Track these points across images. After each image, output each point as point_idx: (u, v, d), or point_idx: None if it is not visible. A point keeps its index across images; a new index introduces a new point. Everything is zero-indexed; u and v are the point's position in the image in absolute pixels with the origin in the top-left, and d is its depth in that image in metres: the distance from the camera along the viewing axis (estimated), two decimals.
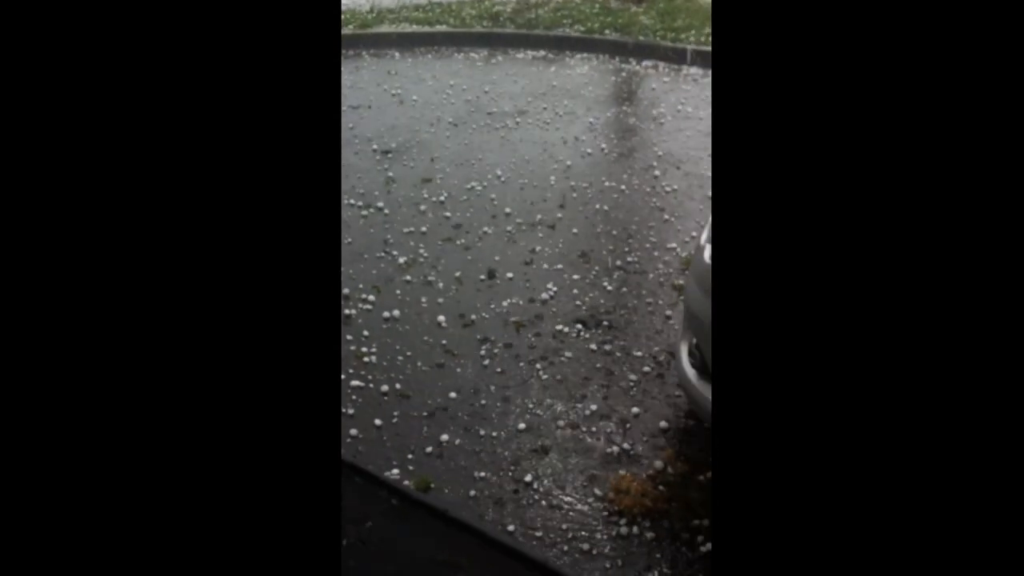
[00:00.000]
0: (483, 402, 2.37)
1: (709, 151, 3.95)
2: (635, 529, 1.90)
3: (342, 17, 6.55)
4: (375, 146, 4.14)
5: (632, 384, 2.41)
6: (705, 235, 2.05)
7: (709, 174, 3.71)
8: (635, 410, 2.30)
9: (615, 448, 2.17)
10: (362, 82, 5.13)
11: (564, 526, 1.94)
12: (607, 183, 3.69)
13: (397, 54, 5.83)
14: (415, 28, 6.26)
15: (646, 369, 2.47)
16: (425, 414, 2.32)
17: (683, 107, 4.56)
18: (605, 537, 1.89)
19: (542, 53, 5.73)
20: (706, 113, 4.45)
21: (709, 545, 1.84)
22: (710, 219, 2.12)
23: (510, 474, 2.11)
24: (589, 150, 4.04)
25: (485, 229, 3.32)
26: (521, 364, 2.52)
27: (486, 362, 2.54)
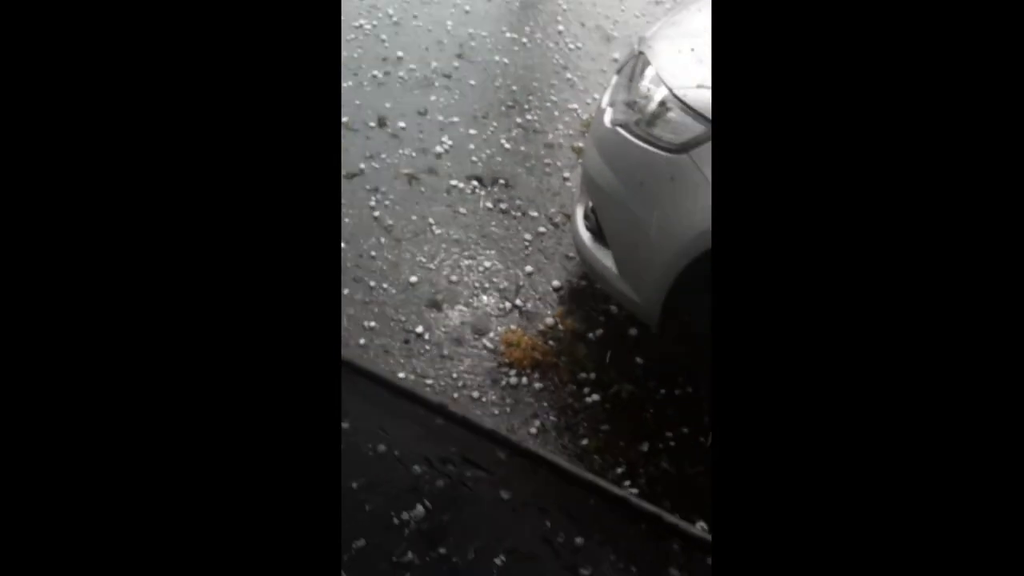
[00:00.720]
0: (372, 254, 2.32)
1: (616, 10, 3.84)
2: (523, 380, 1.99)
3: None
4: None
5: (527, 243, 2.44)
6: (606, 99, 2.02)
7: (615, 34, 3.63)
8: (528, 269, 2.34)
9: (507, 304, 2.22)
10: None
11: (454, 375, 2.00)
12: (508, 34, 3.52)
13: None
14: None
15: (541, 229, 2.50)
16: None
17: None
18: (494, 386, 1.97)
19: None
20: None
21: (595, 396, 1.97)
22: (613, 81, 2.09)
23: (401, 325, 2.12)
24: None
25: (375, 73, 3.11)
26: (413, 218, 2.47)
27: (376, 213, 2.47)
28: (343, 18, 3.41)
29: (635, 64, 2.03)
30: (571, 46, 3.50)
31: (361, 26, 3.40)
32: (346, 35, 3.32)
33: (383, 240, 2.38)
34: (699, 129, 1.70)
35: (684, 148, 1.72)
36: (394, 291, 2.22)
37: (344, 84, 3.01)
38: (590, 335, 2.14)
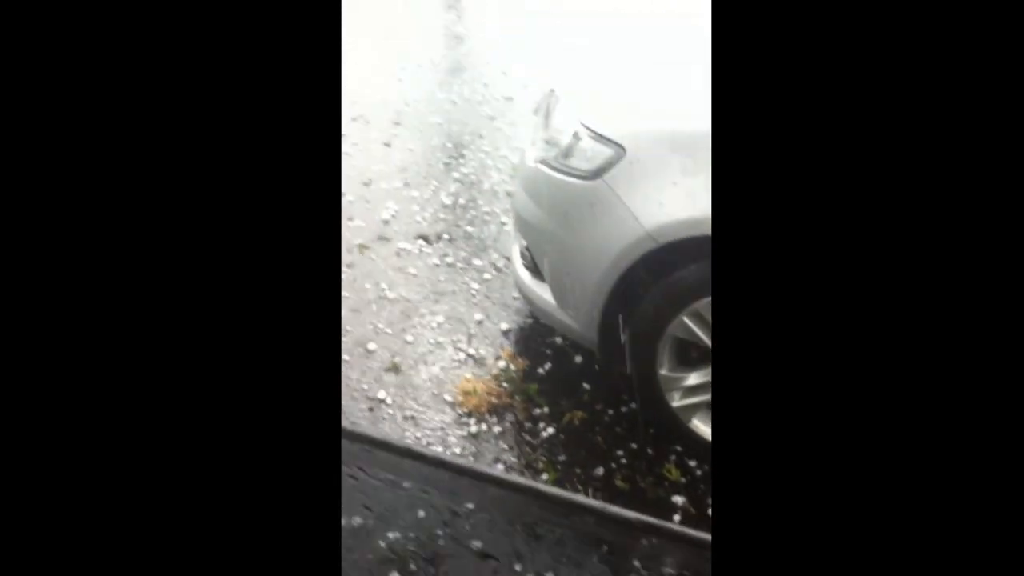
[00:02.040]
0: None
1: (532, 58, 3.96)
2: (483, 426, 2.01)
3: None
4: None
5: (475, 292, 2.48)
6: (528, 139, 2.09)
7: (534, 77, 3.75)
8: (478, 316, 2.38)
9: (461, 354, 2.25)
10: None
11: (419, 435, 2.01)
12: (439, 95, 3.65)
13: None
14: None
15: (487, 276, 2.54)
16: None
17: (506, 15, 4.52)
18: (456, 438, 1.99)
19: None
20: (528, 21, 4.43)
21: (550, 430, 1.98)
22: (533, 122, 2.16)
23: (364, 393, 2.14)
24: (420, 63, 3.95)
25: None
26: (367, 286, 2.52)
27: None
28: None
29: (549, 102, 2.11)
30: (496, 96, 3.61)
31: None
32: None
33: (342, 313, 2.42)
34: (609, 153, 1.76)
35: (598, 173, 1.77)
36: (355, 360, 2.25)
37: None
38: (540, 370, 2.16)
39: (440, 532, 1.65)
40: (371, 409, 2.09)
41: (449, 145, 3.25)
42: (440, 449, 1.96)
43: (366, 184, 3.01)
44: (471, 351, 2.25)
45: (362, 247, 2.69)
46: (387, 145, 3.26)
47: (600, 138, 1.79)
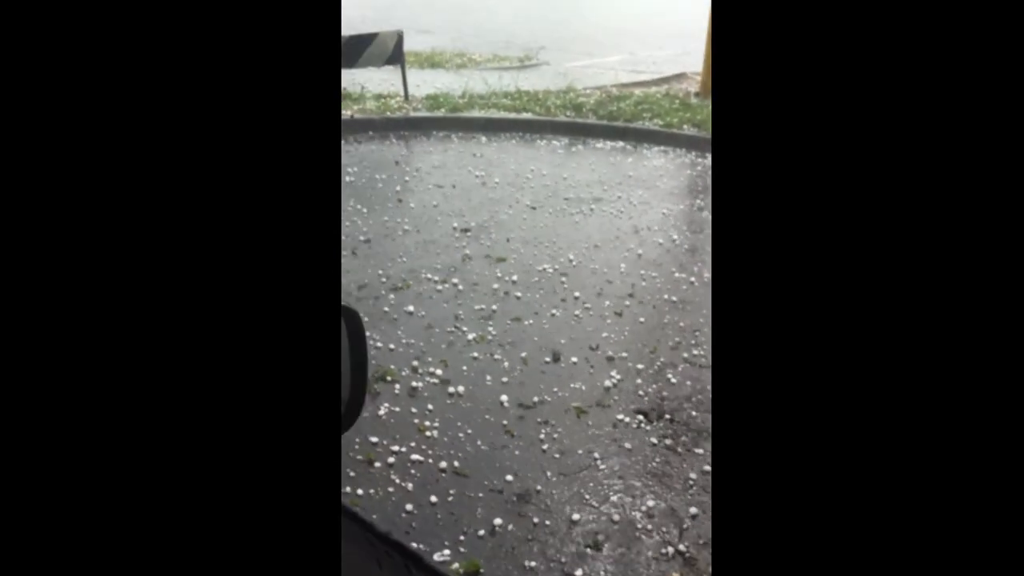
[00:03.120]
0: (539, 488, 2.36)
1: None
2: None
3: (436, 100, 6.95)
4: (455, 224, 4.31)
5: (692, 482, 2.35)
6: None
7: None
8: (693, 510, 2.24)
9: (670, 549, 2.11)
10: (449, 163, 5.39)
11: None
12: (677, 274, 3.70)
13: (484, 138, 6.11)
14: (502, 114, 6.58)
15: (707, 468, 2.41)
16: (481, 495, 2.33)
17: None
18: None
19: (621, 144, 5.89)
20: None
21: None
22: None
23: (561, 567, 2.07)
24: (661, 240, 4.08)
25: (553, 311, 3.37)
26: (579, 452, 2.51)
27: (545, 446, 2.54)
28: (529, 264, 3.81)
29: None
30: None
31: (544, 269, 3.76)
32: (531, 277, 3.68)
33: (549, 474, 2.42)
34: None
35: None
36: (556, 528, 2.20)
37: (525, 322, 3.29)
38: None
39: None
40: None
41: (681, 324, 3.25)
42: None
43: (592, 348, 3.07)
44: (681, 547, 2.11)
45: (579, 410, 2.70)
46: (618, 315, 3.34)
47: None
